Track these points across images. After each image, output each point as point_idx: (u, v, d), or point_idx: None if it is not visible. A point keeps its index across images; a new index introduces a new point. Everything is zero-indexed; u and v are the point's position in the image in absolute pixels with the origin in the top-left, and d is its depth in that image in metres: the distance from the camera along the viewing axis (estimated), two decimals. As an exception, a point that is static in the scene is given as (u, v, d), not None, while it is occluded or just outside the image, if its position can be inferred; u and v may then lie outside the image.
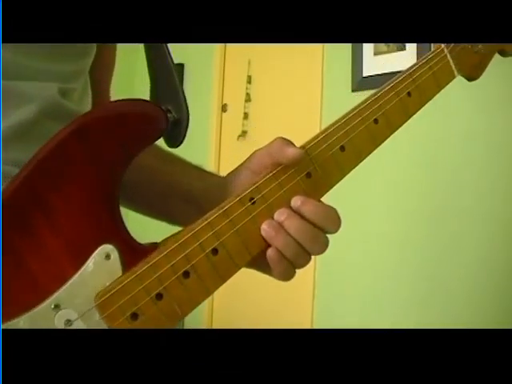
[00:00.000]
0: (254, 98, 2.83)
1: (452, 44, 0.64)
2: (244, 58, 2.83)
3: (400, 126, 0.59)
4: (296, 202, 0.52)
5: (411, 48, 2.15)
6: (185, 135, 0.54)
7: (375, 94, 0.58)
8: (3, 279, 0.45)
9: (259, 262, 0.53)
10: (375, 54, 2.27)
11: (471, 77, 0.68)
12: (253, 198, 0.52)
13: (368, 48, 2.28)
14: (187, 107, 0.54)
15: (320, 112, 2.45)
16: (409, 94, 0.60)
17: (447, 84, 0.64)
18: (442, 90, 0.64)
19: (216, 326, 2.82)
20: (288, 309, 2.46)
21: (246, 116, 2.84)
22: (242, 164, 0.58)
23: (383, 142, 0.58)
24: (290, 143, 0.54)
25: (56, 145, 0.48)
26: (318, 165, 0.55)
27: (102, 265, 0.48)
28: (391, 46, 2.22)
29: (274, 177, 0.53)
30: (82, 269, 0.47)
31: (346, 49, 2.34)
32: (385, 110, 0.58)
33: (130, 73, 3.22)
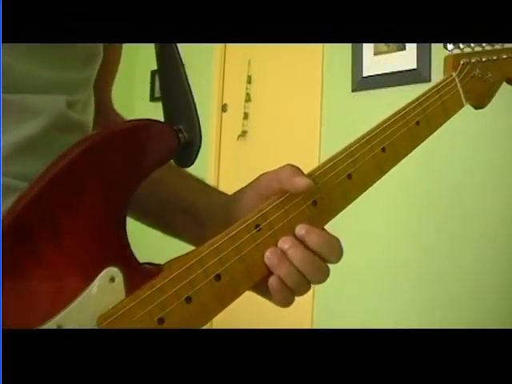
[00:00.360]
0: (254, 98, 2.83)
1: (463, 73, 0.64)
2: (244, 58, 2.84)
3: (407, 154, 0.59)
4: (300, 230, 0.52)
5: (411, 48, 2.15)
6: (196, 157, 0.53)
7: (385, 122, 0.58)
8: (7, 298, 0.45)
9: (259, 287, 0.53)
10: (375, 54, 2.27)
11: (479, 105, 0.67)
12: (259, 225, 0.52)
13: (368, 48, 2.28)
14: (200, 128, 0.53)
15: (320, 112, 2.45)
16: (417, 123, 0.60)
17: (455, 113, 0.63)
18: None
19: (216, 326, 2.82)
20: (288, 309, 2.45)
21: (246, 116, 2.84)
22: (248, 185, 0.57)
23: (389, 170, 0.58)
24: (300, 172, 0.53)
25: (66, 164, 0.47)
26: (325, 193, 0.54)
27: (106, 287, 0.47)
28: (391, 46, 2.22)
29: (281, 204, 0.53)
30: (87, 291, 0.47)
31: (346, 49, 2.34)
32: (393, 139, 0.58)
33: (130, 72, 3.22)
